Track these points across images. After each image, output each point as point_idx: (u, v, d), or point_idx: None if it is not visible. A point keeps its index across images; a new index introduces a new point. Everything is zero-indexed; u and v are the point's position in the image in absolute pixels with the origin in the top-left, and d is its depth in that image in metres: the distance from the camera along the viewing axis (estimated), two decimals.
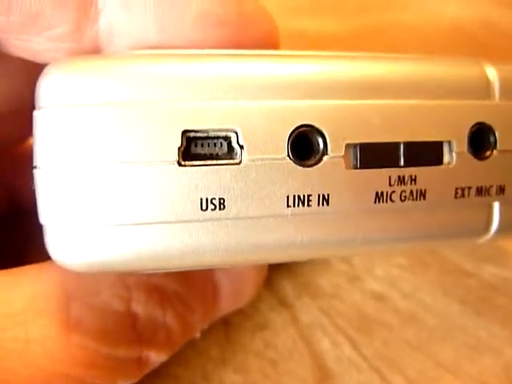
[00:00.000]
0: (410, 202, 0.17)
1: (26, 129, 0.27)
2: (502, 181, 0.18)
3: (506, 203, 0.18)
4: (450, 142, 0.17)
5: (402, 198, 0.17)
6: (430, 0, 0.41)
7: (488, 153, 0.18)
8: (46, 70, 0.16)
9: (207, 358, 0.26)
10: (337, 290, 0.28)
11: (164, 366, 0.22)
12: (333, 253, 0.18)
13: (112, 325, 0.19)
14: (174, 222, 0.16)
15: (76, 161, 0.15)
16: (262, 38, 0.20)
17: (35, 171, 0.16)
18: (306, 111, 0.16)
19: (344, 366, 0.26)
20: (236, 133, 0.16)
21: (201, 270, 0.22)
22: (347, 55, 0.17)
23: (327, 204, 0.16)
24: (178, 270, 0.20)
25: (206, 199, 0.16)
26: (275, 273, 0.28)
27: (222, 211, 0.16)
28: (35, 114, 0.16)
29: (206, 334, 0.24)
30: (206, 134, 0.16)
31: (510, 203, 0.18)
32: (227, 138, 0.16)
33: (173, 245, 0.16)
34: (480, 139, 0.18)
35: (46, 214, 0.16)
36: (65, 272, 0.17)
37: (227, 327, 0.27)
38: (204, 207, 0.16)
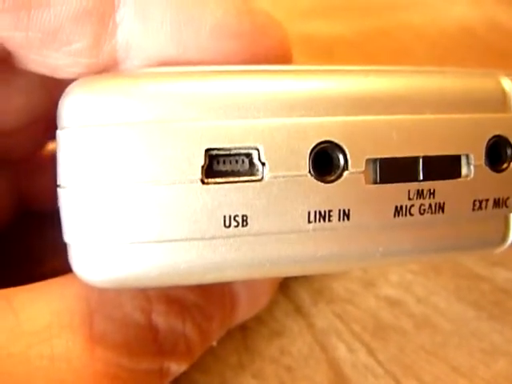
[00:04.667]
0: (429, 215, 0.17)
1: (41, 139, 0.27)
2: None
3: None
4: (467, 155, 0.17)
5: (421, 212, 0.17)
6: (437, 2, 0.41)
7: (505, 165, 0.18)
8: (68, 90, 0.16)
9: (225, 364, 0.26)
10: (351, 295, 0.28)
11: (183, 372, 0.22)
12: (353, 266, 0.18)
13: (134, 337, 0.20)
14: (198, 239, 0.16)
15: (100, 180, 0.16)
16: (275, 47, 0.20)
17: (59, 190, 0.16)
18: (327, 127, 0.16)
19: (360, 372, 0.26)
20: (258, 150, 0.16)
21: None
22: (365, 69, 0.18)
23: (347, 219, 0.16)
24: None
25: (230, 216, 0.16)
26: (290, 279, 0.28)
27: (244, 228, 0.16)
28: (58, 133, 0.16)
29: (224, 340, 0.24)
30: (228, 152, 0.16)
31: None
32: (249, 155, 0.16)
33: (196, 261, 0.16)
34: (497, 152, 0.18)
35: (70, 232, 0.16)
36: (87, 286, 0.18)
37: (244, 334, 0.27)
38: (227, 224, 0.16)
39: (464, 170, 0.17)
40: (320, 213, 0.16)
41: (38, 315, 0.18)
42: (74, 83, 0.17)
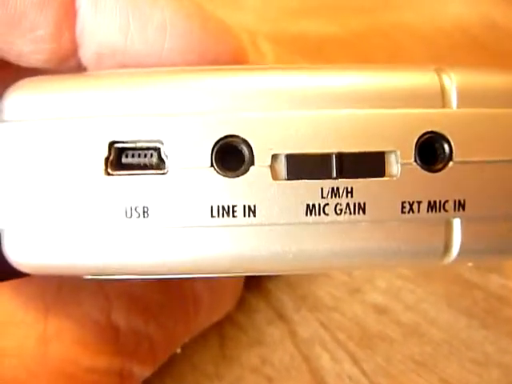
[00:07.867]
0: (347, 215, 0.16)
1: None
2: (460, 195, 0.17)
3: (468, 220, 0.17)
4: (394, 153, 0.16)
5: (338, 212, 0.16)
6: (433, 0, 0.40)
7: (441, 165, 0.16)
8: (6, 91, 0.17)
9: (202, 373, 0.26)
10: (337, 302, 0.27)
11: (159, 381, 0.22)
12: (265, 267, 0.17)
13: (92, 336, 0.20)
14: (103, 229, 0.16)
15: (26, 170, 0.17)
16: (226, 54, 0.21)
17: None
18: (232, 122, 0.16)
19: (344, 383, 0.25)
20: (162, 143, 0.16)
21: (181, 281, 0.22)
22: (278, 67, 0.18)
23: (254, 215, 0.16)
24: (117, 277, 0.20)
25: (131, 207, 0.16)
26: (272, 284, 0.28)
27: (145, 219, 0.16)
28: None
29: (200, 348, 0.24)
30: (134, 145, 0.16)
31: (472, 220, 0.17)
32: (157, 149, 0.16)
33: (101, 250, 0.17)
34: (432, 150, 0.16)
35: (1, 218, 0.17)
36: (44, 285, 0.18)
37: (222, 342, 0.26)
38: (129, 215, 0.16)
39: (389, 169, 0.16)
40: (223, 208, 0.16)
41: None
42: (11, 86, 0.18)
